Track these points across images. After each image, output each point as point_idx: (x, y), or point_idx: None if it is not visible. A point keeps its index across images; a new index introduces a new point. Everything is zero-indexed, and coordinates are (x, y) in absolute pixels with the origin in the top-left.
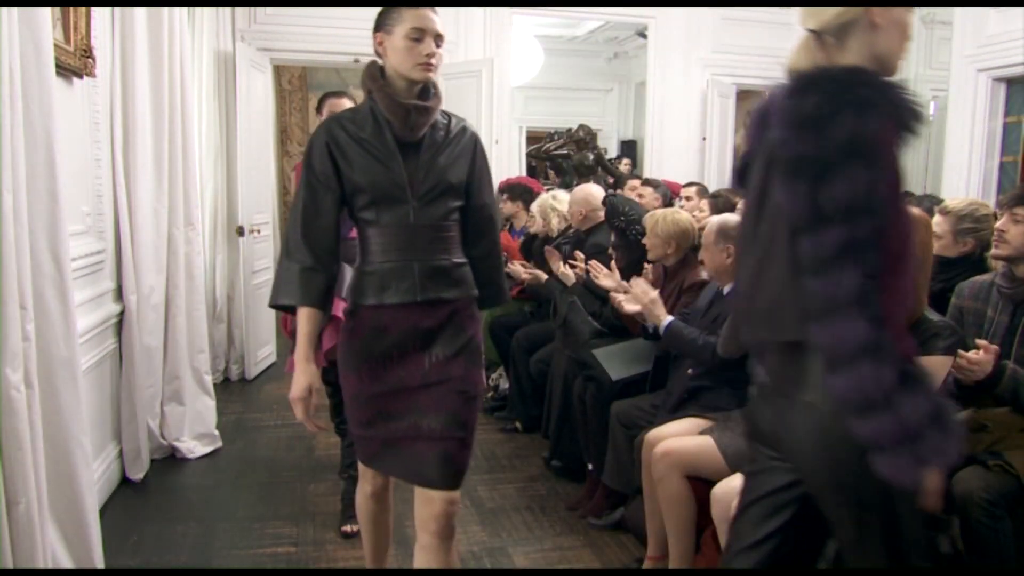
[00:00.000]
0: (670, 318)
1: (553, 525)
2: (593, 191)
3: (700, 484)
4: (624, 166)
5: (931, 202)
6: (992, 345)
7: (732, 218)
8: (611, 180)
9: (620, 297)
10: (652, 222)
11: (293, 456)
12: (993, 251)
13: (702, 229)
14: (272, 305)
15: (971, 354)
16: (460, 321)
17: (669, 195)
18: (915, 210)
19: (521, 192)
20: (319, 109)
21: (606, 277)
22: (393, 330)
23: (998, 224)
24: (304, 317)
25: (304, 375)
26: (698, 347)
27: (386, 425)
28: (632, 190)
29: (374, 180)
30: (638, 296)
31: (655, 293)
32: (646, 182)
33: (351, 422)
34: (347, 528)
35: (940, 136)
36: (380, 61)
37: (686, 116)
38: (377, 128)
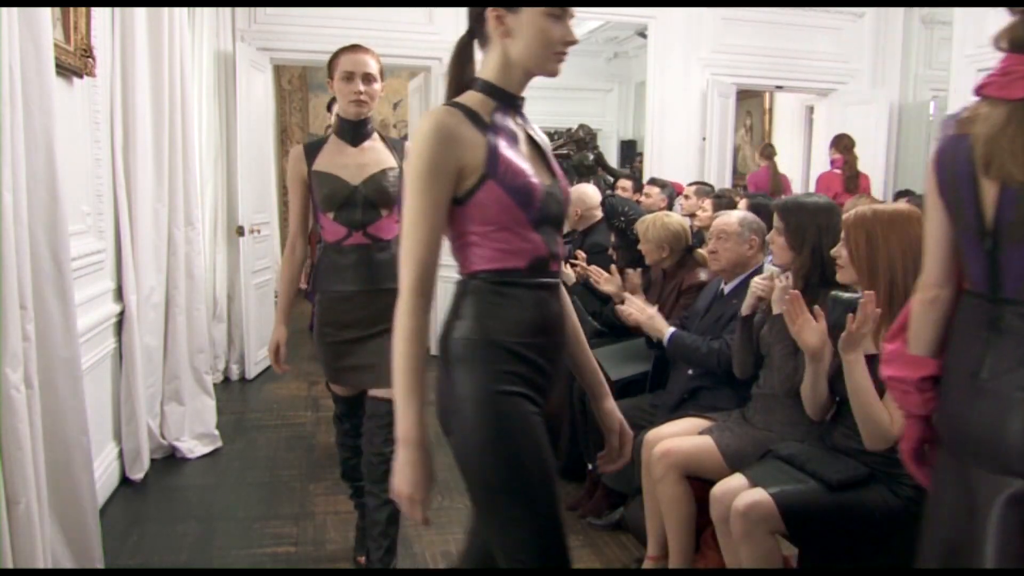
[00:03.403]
0: (672, 330)
1: None
2: (588, 191)
3: (700, 484)
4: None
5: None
6: None
7: (750, 215)
8: (611, 179)
9: (627, 309)
10: (643, 228)
11: (293, 456)
12: None
13: (705, 228)
14: None
15: None
16: None
17: (674, 196)
18: (906, 205)
19: None
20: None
21: (607, 282)
22: None
23: None
24: None
25: None
26: (703, 355)
27: None
28: (624, 191)
29: None
30: (635, 314)
31: (652, 309)
32: (652, 182)
33: None
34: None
35: None
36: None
37: (686, 116)
38: None
